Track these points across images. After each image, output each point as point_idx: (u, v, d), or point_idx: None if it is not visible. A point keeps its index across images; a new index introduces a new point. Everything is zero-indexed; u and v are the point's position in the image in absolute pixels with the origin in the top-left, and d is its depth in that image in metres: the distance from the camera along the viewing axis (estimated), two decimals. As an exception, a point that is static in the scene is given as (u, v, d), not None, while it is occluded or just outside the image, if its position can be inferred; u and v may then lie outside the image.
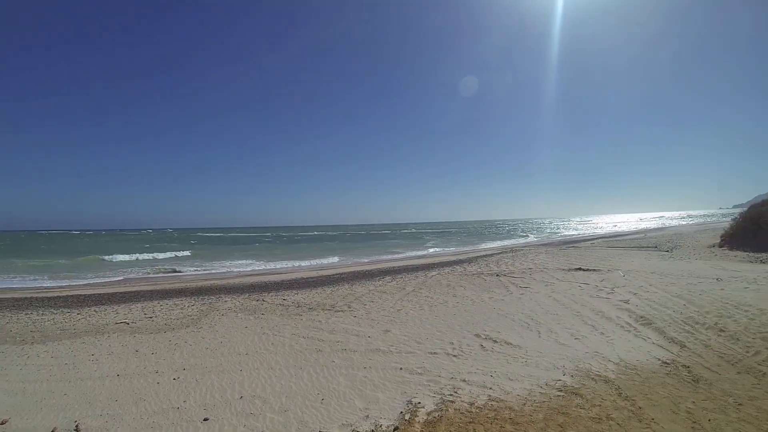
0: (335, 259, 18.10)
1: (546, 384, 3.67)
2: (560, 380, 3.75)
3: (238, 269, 14.75)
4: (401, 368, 4.16)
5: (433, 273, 11.52)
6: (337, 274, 11.96)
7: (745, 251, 11.63)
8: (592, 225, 58.16)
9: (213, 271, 14.12)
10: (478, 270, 11.69)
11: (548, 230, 46.15)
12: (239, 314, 6.60)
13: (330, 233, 60.15)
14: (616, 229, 39.58)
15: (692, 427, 2.72)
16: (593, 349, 4.57)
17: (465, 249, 23.14)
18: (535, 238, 31.43)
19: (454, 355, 4.59)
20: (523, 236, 35.05)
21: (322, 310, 6.95)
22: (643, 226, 43.18)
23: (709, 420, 2.81)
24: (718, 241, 13.88)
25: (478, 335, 5.26)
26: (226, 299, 7.96)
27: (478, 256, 16.36)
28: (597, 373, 3.87)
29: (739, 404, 3.02)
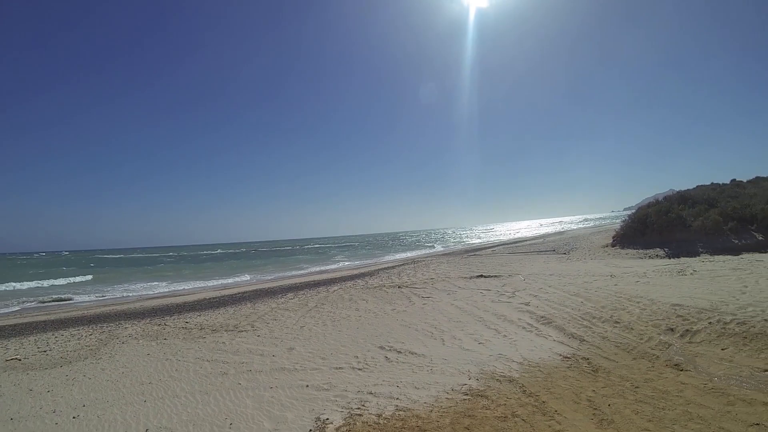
0: (241, 277, 38.27)
1: (452, 389, 7.69)
2: (466, 384, 7.88)
3: (140, 292, 31.23)
4: (307, 385, 8.53)
5: (335, 288, 23.07)
6: (239, 293, 24.14)
7: (635, 249, 27.46)
8: (494, 233, 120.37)
9: (112, 296, 30.24)
10: (380, 283, 23.53)
11: (452, 240, 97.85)
12: (141, 341, 13.55)
13: (235, 251, 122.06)
14: (518, 235, 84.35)
15: (593, 414, 6.41)
16: (497, 351, 9.78)
17: (368, 262, 48.02)
18: (441, 248, 65.29)
19: (360, 369, 9.35)
20: (429, 246, 73.58)
21: (226, 331, 14.18)
22: (543, 231, 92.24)
23: (609, 405, 6.62)
24: (611, 241, 31.74)
25: (382, 347, 10.89)
26: (127, 325, 16.50)
27: (380, 269, 32.77)
28: (501, 374, 8.32)
29: (636, 387, 7.24)
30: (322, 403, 7.53)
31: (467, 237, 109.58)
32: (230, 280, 36.22)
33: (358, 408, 7.21)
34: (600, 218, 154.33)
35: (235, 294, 24.08)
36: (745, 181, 40.91)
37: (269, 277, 36.36)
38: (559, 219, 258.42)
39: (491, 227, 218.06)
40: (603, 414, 6.31)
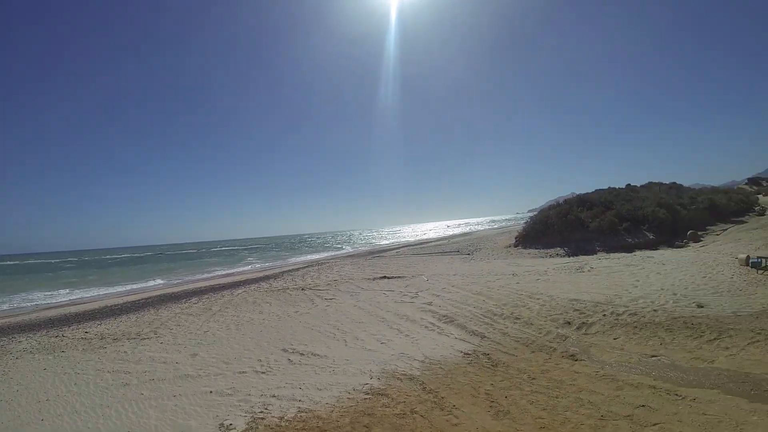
0: (151, 282, 37.69)
1: (354, 389, 8.00)
2: (367, 384, 8.19)
3: (38, 302, 29.70)
4: (211, 391, 8.62)
5: (240, 291, 23.13)
6: (143, 299, 23.76)
7: (537, 248, 29.62)
8: (401, 234, 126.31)
9: (7, 307, 27.96)
10: (284, 285, 23.70)
11: (359, 241, 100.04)
12: (36, 355, 13.04)
13: (141, 255, 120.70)
14: (424, 237, 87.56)
15: (490, 406, 6.89)
16: (399, 351, 10.14)
17: (274, 264, 47.76)
18: (348, 250, 67.12)
19: (263, 372, 9.48)
20: (335, 248, 75.32)
21: (128, 339, 13.88)
22: (450, 232, 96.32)
23: (506, 397, 7.16)
24: (514, 241, 33.07)
25: (285, 350, 11.08)
26: (21, 339, 15.70)
27: (284, 272, 33.05)
28: (403, 372, 8.66)
29: (533, 378, 7.88)
30: (226, 409, 7.58)
31: (374, 238, 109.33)
32: (138, 285, 34.92)
33: (261, 412, 7.35)
34: (506, 220, 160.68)
35: (139, 300, 23.39)
36: (638, 185, 44.18)
37: (177, 281, 36.05)
38: (467, 221, 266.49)
39: (399, 229, 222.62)
40: (500, 406, 6.55)
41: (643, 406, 6.08)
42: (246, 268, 46.24)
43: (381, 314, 13.74)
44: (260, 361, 10.18)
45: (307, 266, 34.46)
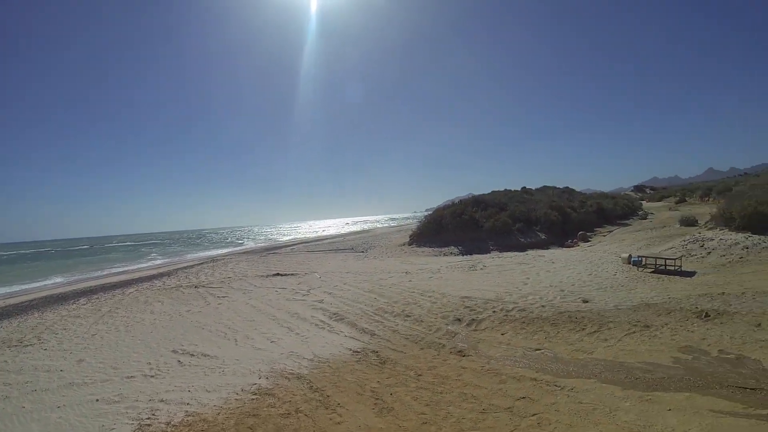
0: (48, 281, 35.37)
1: (242, 390, 8.02)
2: (256, 384, 8.23)
3: None
4: (98, 399, 8.32)
5: (131, 290, 22.39)
6: (26, 301, 22.44)
7: (431, 247, 30.59)
8: (300, 231, 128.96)
9: None
10: (178, 283, 23.23)
11: (257, 238, 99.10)
12: None
13: (26, 251, 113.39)
14: (323, 233, 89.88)
15: (375, 403, 6.95)
16: (289, 349, 10.24)
17: (171, 260, 47.12)
18: (246, 246, 66.08)
19: (152, 376, 9.26)
20: (233, 244, 75.17)
21: (8, 347, 12.91)
22: (348, 229, 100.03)
23: (391, 394, 7.29)
24: (408, 240, 33.88)
25: (175, 351, 10.87)
26: None
27: (179, 269, 32.15)
28: (291, 371, 8.71)
29: (419, 375, 8.04)
30: (113, 417, 7.38)
31: (272, 235, 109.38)
32: (30, 285, 31.71)
33: (149, 418, 7.22)
34: (405, 218, 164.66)
35: (21, 303, 21.66)
36: (534, 189, 46.54)
37: (59, 280, 34.31)
38: (368, 218, 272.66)
39: (299, 225, 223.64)
40: (384, 403, 6.67)
41: (523, 398, 6.36)
42: (145, 264, 44.47)
43: (272, 312, 13.79)
44: (149, 364, 9.96)
45: (202, 263, 33.76)
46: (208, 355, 10.12)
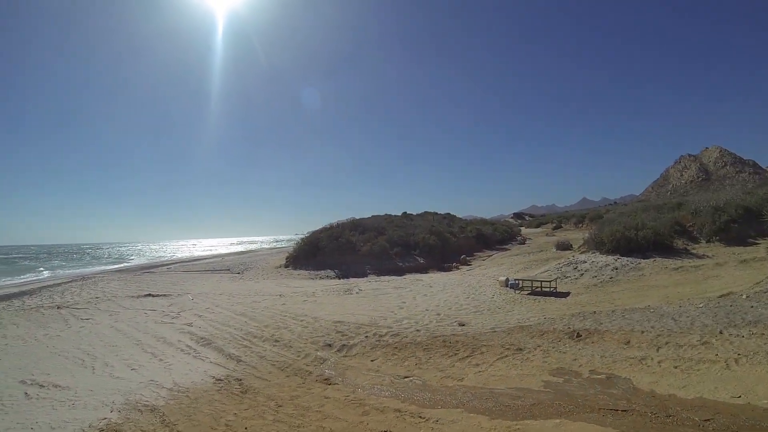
0: None
1: (89, 426, 7.12)
2: (106, 418, 7.38)
3: None
4: None
5: None
6: None
7: (307, 270, 29.98)
8: (181, 249, 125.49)
9: None
10: (39, 303, 20.78)
11: (136, 255, 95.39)
12: None
13: None
14: (204, 253, 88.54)
15: None
16: (149, 377, 9.33)
17: (33, 278, 41.50)
18: (125, 264, 61.97)
19: None
20: (113, 260, 72.81)
21: None
22: (230, 249, 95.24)
23: (246, 428, 6.66)
24: (284, 262, 33.14)
25: (24, 381, 9.50)
26: None
27: (43, 287, 28.61)
28: (146, 402, 7.94)
29: (280, 406, 7.52)
30: None
31: (152, 252, 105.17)
32: None
33: None
34: (288, 240, 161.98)
35: None
36: (415, 214, 47.47)
37: None
38: (254, 238, 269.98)
39: (182, 244, 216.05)
40: None
41: (385, 431, 6.08)
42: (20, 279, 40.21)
43: (138, 336, 12.81)
44: None
45: (71, 281, 30.78)
46: (60, 386, 9.03)
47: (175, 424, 6.73)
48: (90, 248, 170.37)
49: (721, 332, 8.61)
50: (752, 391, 6.18)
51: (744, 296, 11.22)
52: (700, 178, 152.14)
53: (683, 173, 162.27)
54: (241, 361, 9.84)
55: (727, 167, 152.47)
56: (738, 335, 8.36)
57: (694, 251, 19.15)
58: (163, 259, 73.70)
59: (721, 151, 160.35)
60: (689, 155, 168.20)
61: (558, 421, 5.99)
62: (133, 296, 20.61)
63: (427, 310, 13.91)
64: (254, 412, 7.09)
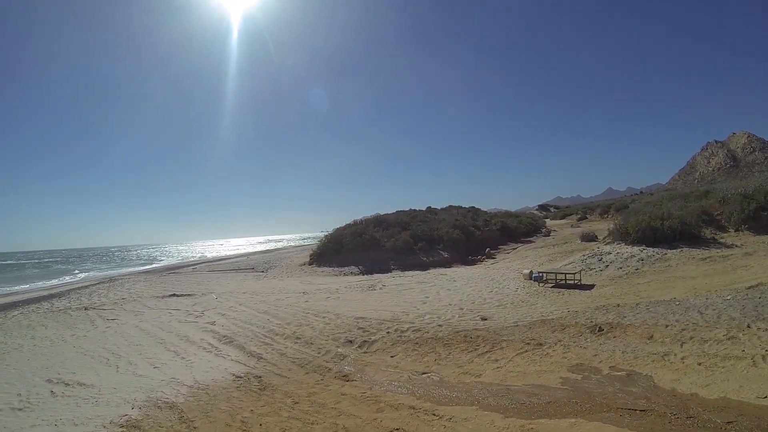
0: None
1: (111, 422, 7.36)
2: (127, 415, 7.61)
3: None
4: None
5: (15, 312, 20.39)
6: None
7: (331, 267, 30.30)
8: (207, 249, 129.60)
9: None
10: (68, 305, 21.49)
11: (162, 256, 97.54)
12: None
13: None
14: (233, 252, 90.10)
15: None
16: (171, 375, 9.52)
17: (61, 282, 42.40)
18: (152, 265, 62.37)
19: (20, 409, 8.40)
20: (140, 262, 74.18)
21: None
22: (258, 248, 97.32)
23: (260, 425, 6.72)
24: (308, 259, 33.35)
25: (50, 380, 9.87)
26: None
27: (72, 289, 29.89)
28: (166, 400, 8.12)
29: (296, 402, 7.54)
30: None
31: (179, 253, 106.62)
32: None
33: None
34: (315, 236, 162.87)
35: None
36: (439, 208, 47.19)
37: None
38: (280, 236, 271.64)
39: (211, 243, 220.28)
40: None
41: (397, 429, 5.97)
42: (27, 286, 39.74)
43: (161, 335, 12.99)
44: (20, 395, 9.00)
45: (98, 283, 31.46)
46: (85, 384, 9.28)
47: (192, 421, 6.83)
48: (118, 251, 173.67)
49: (748, 326, 8.18)
50: None
51: None
52: (728, 165, 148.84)
53: (710, 160, 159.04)
54: (261, 358, 9.89)
55: (756, 153, 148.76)
56: (766, 329, 7.91)
57: (722, 240, 18.62)
58: (189, 259, 74.33)
59: (749, 136, 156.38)
60: (716, 141, 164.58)
61: (573, 420, 5.74)
62: (158, 296, 20.95)
63: (450, 304, 13.79)
64: (270, 408, 7.11)
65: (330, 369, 8.87)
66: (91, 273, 49.43)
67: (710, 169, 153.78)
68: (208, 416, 6.96)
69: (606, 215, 52.38)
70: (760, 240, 17.87)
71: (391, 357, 9.25)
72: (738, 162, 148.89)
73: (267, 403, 7.34)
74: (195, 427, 6.61)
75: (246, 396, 7.72)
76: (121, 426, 6.93)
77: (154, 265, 59.45)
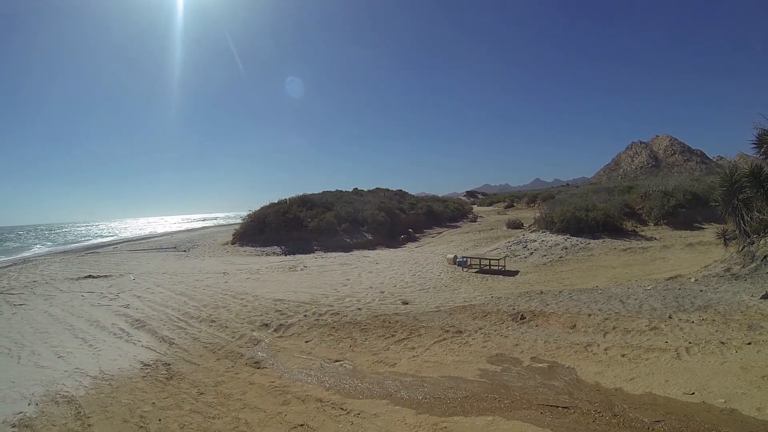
0: None
1: (3, 422, 6.41)
2: (22, 412, 6.71)
3: None
4: None
5: None
6: None
7: (254, 246, 29.20)
8: (132, 227, 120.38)
9: None
10: None
11: (75, 236, 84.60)
12: None
13: None
14: (152, 231, 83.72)
15: (138, 431, 5.96)
16: (75, 365, 8.59)
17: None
18: (62, 246, 55.22)
19: None
20: (50, 243, 62.91)
21: None
22: (182, 227, 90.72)
23: (159, 420, 6.13)
24: (231, 239, 32.21)
25: None
26: None
27: None
28: (66, 393, 7.28)
29: (201, 393, 6.94)
30: None
31: (97, 233, 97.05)
32: None
33: None
34: (243, 216, 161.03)
35: None
36: (366, 190, 46.99)
37: None
38: (216, 214, 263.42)
39: (143, 220, 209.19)
40: (146, 429, 5.83)
41: (301, 425, 5.57)
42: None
43: (71, 321, 11.90)
44: None
45: (11, 265, 28.39)
46: (-21, 379, 8.28)
47: (89, 417, 6.24)
48: (46, 229, 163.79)
49: (670, 317, 8.28)
50: (706, 386, 5.57)
51: (692, 279, 11.19)
52: (650, 165, 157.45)
53: (634, 159, 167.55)
54: (173, 343, 9.36)
55: (676, 155, 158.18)
56: (688, 321, 8.00)
57: (642, 233, 19.90)
58: (110, 238, 67.32)
59: (671, 139, 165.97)
60: (640, 142, 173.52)
61: (491, 418, 5.35)
62: (72, 278, 19.39)
63: (371, 287, 13.63)
64: (173, 401, 6.61)
65: (242, 355, 8.43)
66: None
67: (633, 167, 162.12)
68: (106, 412, 6.42)
69: (533, 204, 53.50)
70: (677, 234, 18.99)
71: (306, 342, 8.89)
72: (659, 162, 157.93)
73: (171, 395, 6.80)
74: (90, 425, 6.05)
75: (151, 387, 7.14)
76: (14, 426, 6.27)
77: (73, 245, 55.48)
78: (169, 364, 8.10)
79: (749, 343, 6.68)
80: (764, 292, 8.85)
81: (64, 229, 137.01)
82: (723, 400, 5.17)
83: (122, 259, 27.69)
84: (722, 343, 6.82)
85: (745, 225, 11.73)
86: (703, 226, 20.50)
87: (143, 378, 7.53)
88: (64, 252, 39.69)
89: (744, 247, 11.58)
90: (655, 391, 5.62)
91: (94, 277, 19.53)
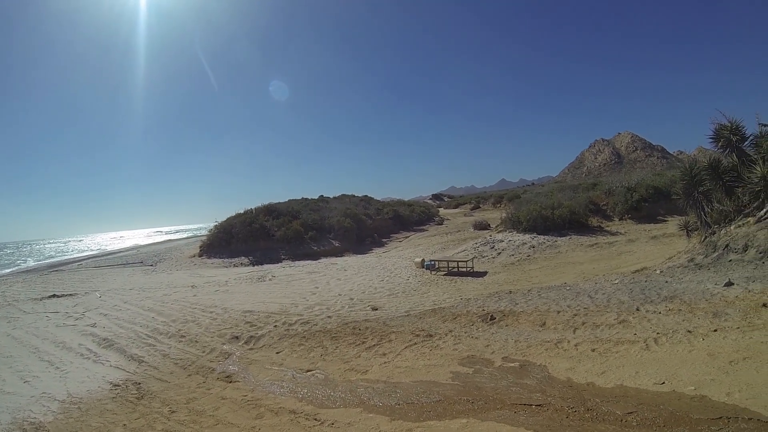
0: None
1: None
2: None
3: None
4: None
5: None
6: None
7: (221, 258, 28.42)
8: (94, 243, 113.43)
9: None
10: None
11: (41, 253, 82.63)
12: None
13: None
14: (117, 246, 79.71)
15: None
16: (42, 390, 8.20)
17: None
18: (31, 263, 54.61)
19: None
20: (16, 263, 59.89)
21: None
22: (148, 240, 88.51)
23: None
24: (198, 251, 31.63)
25: None
26: None
27: None
28: (33, 420, 6.87)
29: (173, 412, 6.71)
30: None
31: (61, 250, 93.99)
32: None
33: None
34: (209, 228, 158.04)
35: None
36: (331, 197, 46.85)
37: None
38: (182, 227, 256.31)
39: (105, 236, 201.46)
40: None
41: (273, 436, 5.52)
42: None
43: (35, 343, 11.38)
44: None
45: None
46: (-60, 411, 7.86)
47: (57, 443, 5.86)
48: (5, 246, 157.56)
49: (638, 309, 8.39)
50: (676, 375, 5.65)
51: (658, 271, 11.38)
52: (613, 161, 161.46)
53: (597, 156, 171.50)
54: (143, 362, 9.04)
55: (638, 151, 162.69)
56: (655, 312, 8.12)
57: (608, 228, 20.48)
58: (74, 255, 64.22)
59: (632, 136, 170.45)
60: (603, 140, 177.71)
61: (465, 421, 5.32)
62: (36, 299, 18.61)
63: (340, 294, 13.56)
64: (145, 421, 6.39)
65: (213, 369, 8.25)
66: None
67: (597, 164, 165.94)
68: (75, 437, 6.07)
69: (499, 205, 53.73)
70: (641, 228, 19.54)
71: (277, 353, 8.76)
72: (622, 159, 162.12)
73: (142, 415, 6.59)
74: (59, 452, 5.61)
75: (121, 408, 6.91)
76: (-22, 456, 5.75)
77: (34, 263, 53.77)
78: (140, 383, 7.85)
79: (715, 330, 6.78)
80: (727, 280, 9.04)
81: (28, 248, 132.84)
82: (693, 388, 5.23)
83: (87, 276, 26.78)
84: (689, 331, 6.91)
85: (706, 216, 12.13)
86: (666, 219, 21.10)
87: (113, 399, 7.27)
88: (26, 271, 38.13)
89: (706, 238, 11.95)
90: (626, 383, 5.66)
91: (58, 296, 18.78)
